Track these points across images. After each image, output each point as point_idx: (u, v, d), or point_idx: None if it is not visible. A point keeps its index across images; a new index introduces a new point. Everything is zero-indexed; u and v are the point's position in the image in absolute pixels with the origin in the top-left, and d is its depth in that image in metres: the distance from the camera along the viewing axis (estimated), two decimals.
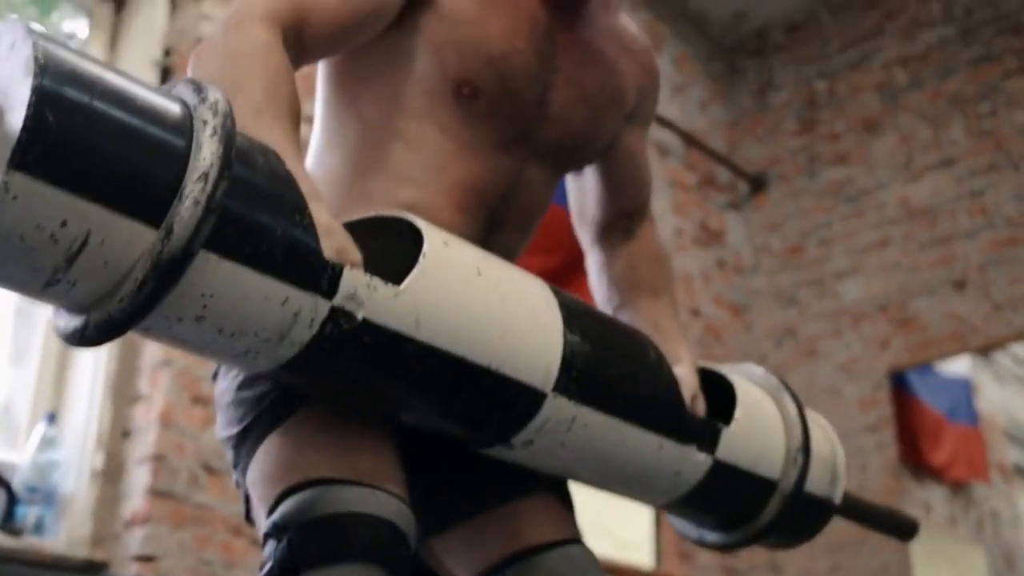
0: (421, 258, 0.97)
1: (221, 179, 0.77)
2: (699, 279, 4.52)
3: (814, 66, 4.88)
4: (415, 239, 1.01)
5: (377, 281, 0.92)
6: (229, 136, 0.79)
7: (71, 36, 2.88)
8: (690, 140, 4.63)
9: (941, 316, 4.20)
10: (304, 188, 0.91)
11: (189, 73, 1.05)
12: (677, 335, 1.37)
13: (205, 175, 0.77)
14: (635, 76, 1.40)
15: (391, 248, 1.03)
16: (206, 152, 0.77)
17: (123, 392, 2.61)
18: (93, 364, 2.62)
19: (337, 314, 0.89)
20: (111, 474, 2.57)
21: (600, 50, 1.35)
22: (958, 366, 4.43)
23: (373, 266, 0.95)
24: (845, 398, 4.35)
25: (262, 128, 0.96)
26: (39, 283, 0.76)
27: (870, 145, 4.59)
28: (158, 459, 2.55)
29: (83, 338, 0.80)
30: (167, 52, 2.90)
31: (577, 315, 1.12)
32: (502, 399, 1.04)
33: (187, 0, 2.94)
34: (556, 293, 1.13)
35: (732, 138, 5.00)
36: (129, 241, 0.75)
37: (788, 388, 1.41)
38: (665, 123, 4.49)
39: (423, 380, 0.99)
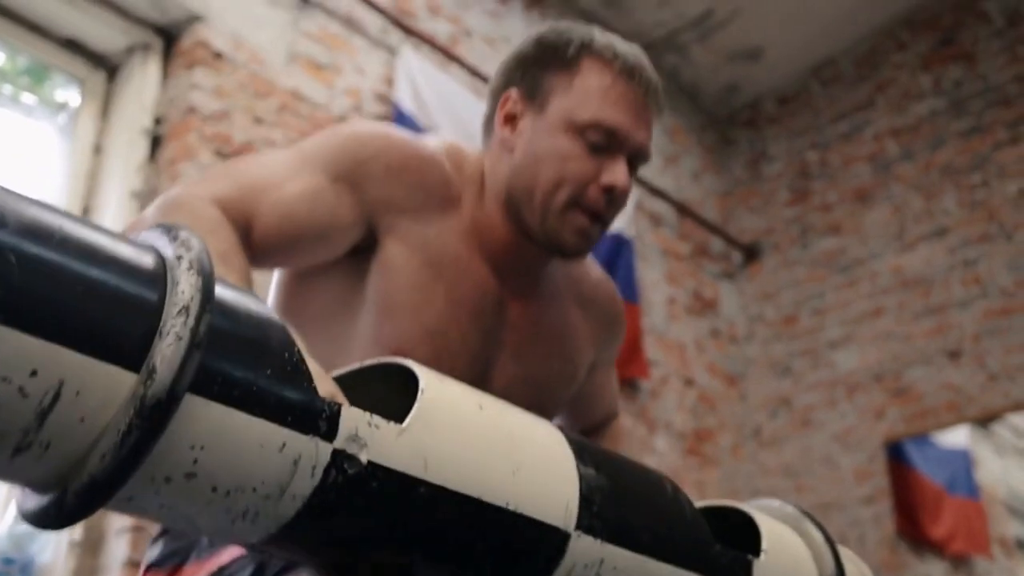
0: (420, 394, 0.90)
1: (204, 312, 0.71)
2: (693, 348, 4.51)
3: (806, 137, 4.92)
4: (408, 381, 0.94)
5: (378, 419, 0.84)
6: (207, 269, 0.74)
7: (63, 105, 2.92)
8: (683, 210, 4.65)
9: (936, 386, 4.17)
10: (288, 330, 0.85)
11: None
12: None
13: (186, 308, 0.70)
14: (593, 332, 1.32)
15: (384, 393, 0.96)
16: (184, 285, 0.71)
17: None
18: None
19: (340, 458, 0.81)
20: (90, 545, 2.53)
21: (552, 322, 1.26)
22: (957, 437, 4.38)
23: (370, 409, 0.87)
24: (841, 469, 4.31)
25: (227, 276, 0.89)
26: (7, 451, 0.67)
27: (863, 215, 4.60)
28: (137, 530, 2.52)
29: (61, 514, 0.69)
30: (158, 121, 2.93)
31: (587, 450, 1.04)
32: (525, 543, 0.95)
33: (179, 69, 2.98)
34: (560, 429, 1.06)
35: (725, 208, 5.02)
36: (108, 389, 0.68)
37: (810, 516, 1.35)
38: (658, 193, 4.51)
39: (439, 527, 0.90)
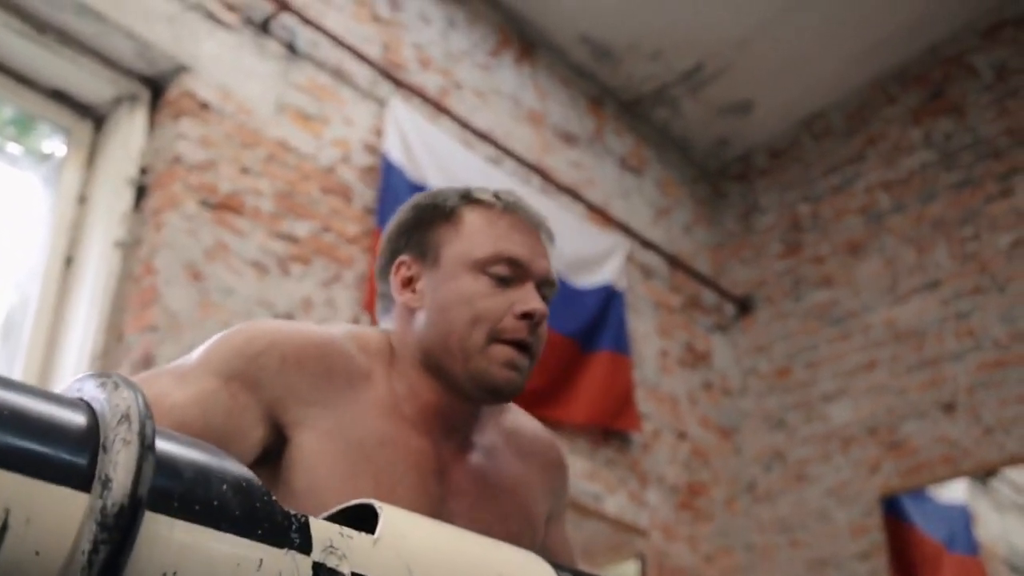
0: (380, 512, 0.85)
1: (146, 415, 0.67)
2: (685, 401, 4.48)
3: (798, 190, 4.93)
4: (361, 513, 0.89)
5: (349, 530, 0.79)
6: (137, 386, 0.70)
7: (48, 156, 2.92)
8: (675, 262, 4.64)
9: (931, 439, 4.13)
10: None
11: None
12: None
13: (126, 415, 0.67)
14: (542, 483, 1.27)
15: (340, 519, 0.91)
16: (119, 398, 0.68)
17: None
18: None
19: (322, 572, 0.75)
20: None
21: (500, 480, 1.21)
22: (955, 493, 4.33)
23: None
24: (836, 523, 4.25)
25: None
26: None
27: (855, 268, 4.60)
28: None
29: None
30: (143, 171, 2.94)
31: (560, 565, 0.99)
32: None
33: (165, 119, 2.99)
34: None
35: (717, 261, 5.01)
36: (61, 512, 0.63)
37: None
38: (649, 245, 4.51)
39: None
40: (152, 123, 3.01)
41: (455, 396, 1.16)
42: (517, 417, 1.30)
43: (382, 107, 3.59)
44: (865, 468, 4.26)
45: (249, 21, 3.27)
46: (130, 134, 2.94)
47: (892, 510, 4.19)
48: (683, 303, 4.69)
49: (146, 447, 0.65)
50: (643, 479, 4.10)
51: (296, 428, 1.08)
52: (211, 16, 3.15)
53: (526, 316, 1.13)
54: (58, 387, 2.62)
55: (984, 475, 4.18)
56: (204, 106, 3.02)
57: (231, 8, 3.22)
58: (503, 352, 1.13)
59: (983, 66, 4.55)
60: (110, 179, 2.89)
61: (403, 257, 1.20)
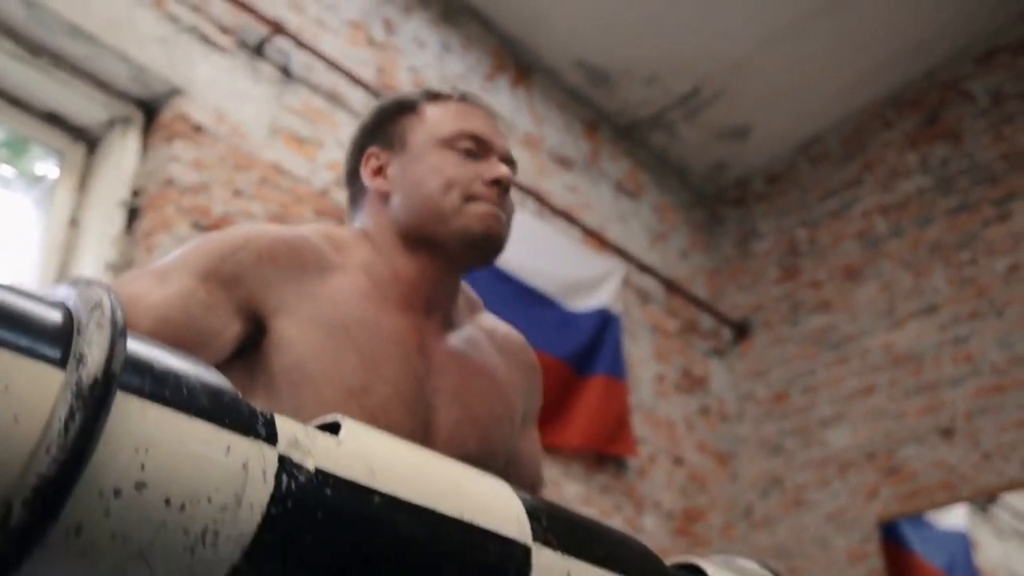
0: (342, 421, 0.86)
1: (117, 304, 0.70)
2: (682, 425, 4.45)
3: (795, 215, 4.92)
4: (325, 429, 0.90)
5: (312, 430, 0.81)
6: (110, 286, 0.73)
7: (41, 178, 2.92)
8: (672, 286, 4.63)
9: (930, 465, 4.11)
10: None
11: None
12: None
13: (99, 304, 0.70)
14: (519, 380, 1.32)
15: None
16: (91, 292, 0.71)
17: None
18: None
19: (288, 464, 0.77)
20: None
21: (480, 363, 1.26)
22: (955, 519, 4.30)
23: None
24: (834, 549, 4.22)
25: None
26: None
27: (852, 292, 4.58)
28: None
29: (5, 539, 0.63)
30: (136, 193, 2.93)
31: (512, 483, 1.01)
32: (492, 558, 0.89)
33: (158, 142, 2.99)
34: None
35: (714, 285, 5.00)
36: (38, 383, 0.66)
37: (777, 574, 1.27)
38: (646, 269, 4.50)
39: (403, 543, 0.84)
40: (145, 146, 3.01)
41: (439, 267, 1.22)
42: (490, 317, 1.36)
43: None
44: (863, 493, 4.23)
45: (243, 44, 3.28)
46: (123, 157, 2.93)
47: (891, 536, 4.16)
48: (680, 327, 4.67)
49: (118, 330, 0.68)
50: (639, 505, 4.07)
51: (275, 316, 1.12)
52: (205, 39, 3.15)
53: (495, 182, 1.21)
54: None
55: (984, 501, 4.16)
56: (197, 129, 3.03)
57: (225, 31, 3.23)
58: (479, 207, 1.20)
59: (979, 91, 4.55)
60: (102, 202, 2.88)
61: (371, 149, 1.27)
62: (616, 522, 3.94)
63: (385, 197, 1.24)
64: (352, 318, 1.15)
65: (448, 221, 1.20)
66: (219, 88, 3.14)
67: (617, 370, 4.08)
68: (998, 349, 4.11)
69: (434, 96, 1.29)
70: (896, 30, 4.53)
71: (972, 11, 4.49)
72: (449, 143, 1.23)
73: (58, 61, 2.88)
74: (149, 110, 3.06)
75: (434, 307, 1.23)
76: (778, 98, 4.78)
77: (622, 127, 4.80)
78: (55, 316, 0.70)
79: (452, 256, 1.21)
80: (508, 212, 1.24)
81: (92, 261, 2.81)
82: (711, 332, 4.83)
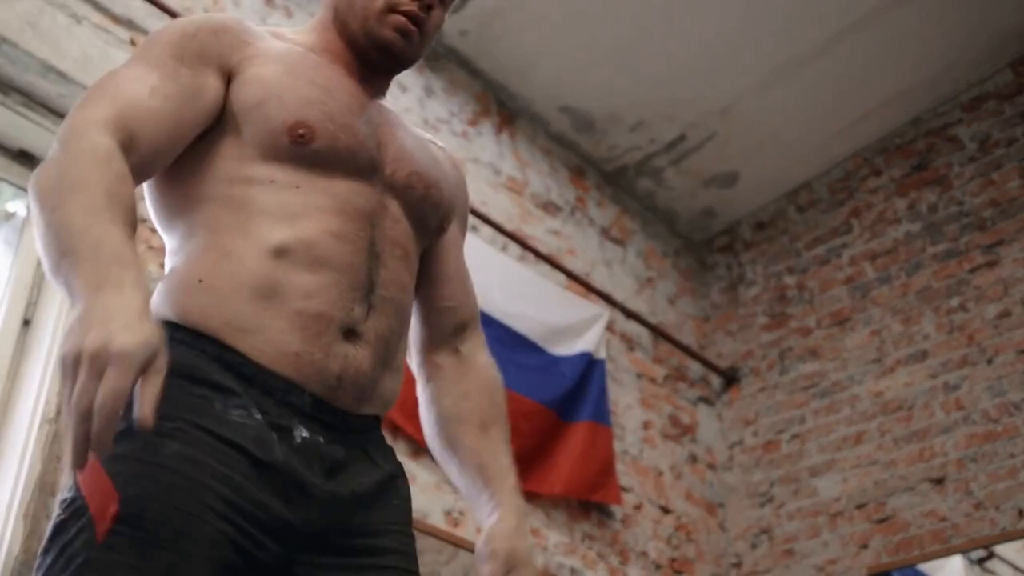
0: None
1: None
2: (669, 474, 4.38)
3: (783, 262, 4.89)
4: None
5: None
6: None
7: (11, 215, 2.89)
8: (659, 333, 4.59)
9: (921, 514, 4.03)
10: (135, 298, 1.00)
11: (32, 183, 1.12)
12: (501, 474, 1.32)
13: None
14: (442, 164, 1.48)
15: None
16: None
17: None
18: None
19: None
20: None
21: (408, 132, 1.44)
22: (951, 572, 4.21)
23: None
24: None
25: (101, 226, 1.02)
26: None
27: (841, 339, 4.54)
28: None
29: None
30: None
31: None
32: None
33: None
34: None
35: (702, 332, 4.96)
36: None
37: None
38: (633, 316, 4.46)
39: None
40: None
41: (360, 61, 1.41)
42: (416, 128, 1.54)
43: None
44: (854, 544, 4.15)
45: None
46: None
47: None
48: (667, 375, 4.62)
49: None
50: (624, 555, 3.99)
51: (240, 67, 1.31)
52: None
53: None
54: (7, 452, 2.54)
55: (981, 558, 4.06)
56: None
57: None
58: (395, 19, 1.36)
59: (966, 137, 4.55)
60: None
61: None
62: (600, 572, 3.86)
63: None
64: (303, 62, 1.35)
65: (367, 22, 1.37)
66: None
67: (602, 416, 4.02)
68: (989, 396, 4.05)
69: None
70: (883, 77, 4.53)
71: (959, 58, 4.49)
72: None
73: (30, 99, 2.87)
74: None
75: (365, 84, 1.40)
76: (766, 145, 4.77)
77: (608, 173, 4.78)
78: None
79: (366, 56, 1.40)
80: (427, 29, 1.38)
81: (60, 300, 2.77)
82: (699, 379, 4.78)
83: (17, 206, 2.92)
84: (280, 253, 1.21)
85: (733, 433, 4.70)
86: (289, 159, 1.25)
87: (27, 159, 2.94)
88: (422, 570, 3.61)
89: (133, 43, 3.06)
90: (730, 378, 4.79)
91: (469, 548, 3.47)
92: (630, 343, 4.49)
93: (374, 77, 1.42)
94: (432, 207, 1.40)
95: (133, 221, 1.08)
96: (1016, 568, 4.21)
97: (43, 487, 2.53)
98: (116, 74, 1.26)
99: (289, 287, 1.20)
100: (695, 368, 4.77)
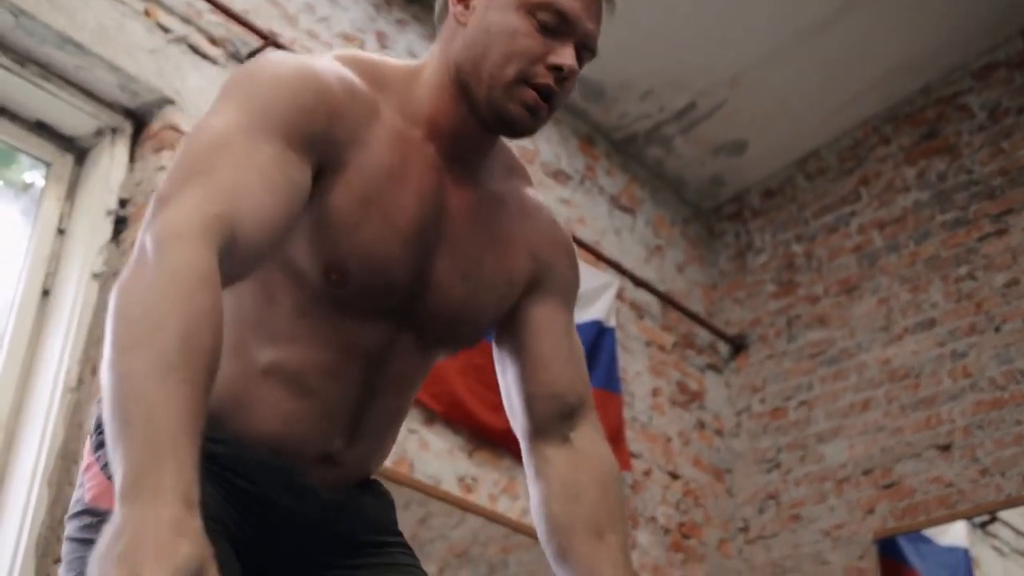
0: None
1: None
2: (678, 440, 4.42)
3: (792, 230, 4.91)
4: None
5: None
6: None
7: (29, 186, 2.92)
8: (667, 301, 4.61)
9: (927, 480, 4.08)
10: (180, 482, 0.84)
11: (113, 298, 0.96)
12: None
13: None
14: (532, 244, 1.32)
15: None
16: None
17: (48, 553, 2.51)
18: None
19: None
20: None
21: (490, 215, 1.28)
22: (955, 536, 4.26)
23: None
24: (831, 566, 4.18)
25: (167, 392, 0.87)
26: None
27: (849, 307, 4.56)
28: None
29: None
30: (123, 203, 2.93)
31: None
32: None
33: (146, 152, 2.99)
34: None
35: (711, 300, 4.99)
36: None
37: None
38: (641, 284, 4.48)
39: None
40: (133, 156, 3.01)
41: (474, 119, 1.23)
42: (533, 192, 1.37)
43: None
44: (860, 509, 4.20)
45: (234, 55, 3.28)
46: (111, 166, 2.93)
47: (888, 552, 4.13)
48: (676, 342, 4.66)
49: None
50: (633, 520, 4.04)
51: (333, 169, 1.17)
52: (196, 50, 3.16)
53: (556, 68, 1.19)
54: (29, 422, 2.56)
55: (984, 522, 4.12)
56: None
57: (216, 43, 3.24)
58: (526, 94, 1.20)
59: (976, 106, 4.54)
60: (90, 211, 2.88)
61: None
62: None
63: (458, 27, 1.24)
64: (382, 172, 1.19)
65: (493, 91, 1.20)
66: (209, 99, 3.11)
67: (612, 384, 4.06)
68: (996, 364, 4.08)
69: None
70: (893, 46, 4.52)
71: (969, 26, 4.48)
72: (533, 9, 1.19)
73: (46, 70, 2.89)
74: (138, 120, 3.06)
75: (461, 155, 1.26)
76: (775, 113, 4.77)
77: (618, 141, 4.79)
78: None
79: (483, 120, 1.23)
80: (558, 101, 1.22)
81: (78, 270, 2.80)
82: (707, 347, 4.81)
83: (34, 177, 2.94)
84: (268, 373, 1.19)
85: (741, 400, 4.74)
86: (313, 287, 1.18)
87: (44, 130, 2.97)
88: (431, 533, 3.65)
89: (148, 14, 3.07)
90: (738, 345, 4.82)
91: (479, 513, 3.52)
92: (639, 311, 4.53)
93: (480, 141, 1.27)
94: (458, 337, 1.30)
95: (211, 366, 0.93)
96: (1017, 531, 4.26)
97: (66, 455, 2.58)
98: (218, 139, 1.09)
99: (271, 408, 1.20)
100: (703, 336, 4.81)
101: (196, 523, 0.83)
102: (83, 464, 1.21)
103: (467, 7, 1.24)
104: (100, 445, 1.16)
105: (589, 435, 1.32)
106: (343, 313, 1.19)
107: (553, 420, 1.31)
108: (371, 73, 1.23)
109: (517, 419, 1.34)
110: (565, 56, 1.19)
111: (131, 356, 0.89)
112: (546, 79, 1.19)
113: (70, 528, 1.17)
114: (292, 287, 1.19)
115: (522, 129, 1.23)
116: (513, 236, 1.31)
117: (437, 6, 1.29)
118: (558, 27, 1.19)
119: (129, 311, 0.93)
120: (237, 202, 1.03)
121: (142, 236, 1.00)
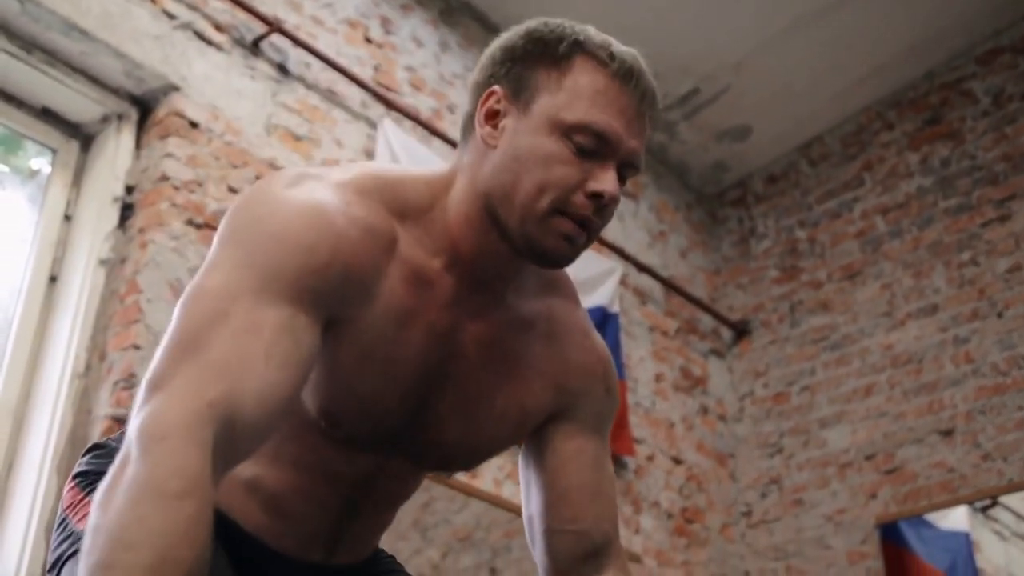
0: None
1: None
2: (681, 426, 4.44)
3: (795, 215, 4.91)
4: None
5: None
6: None
7: (35, 173, 2.92)
8: (670, 287, 4.62)
9: (929, 465, 4.09)
10: None
11: (93, 504, 0.87)
12: None
13: None
14: (556, 373, 1.21)
15: None
16: None
17: None
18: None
19: None
20: None
21: (508, 345, 1.18)
22: (956, 520, 4.28)
23: None
24: (834, 550, 4.20)
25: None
26: None
27: (852, 293, 4.57)
28: None
29: None
30: (129, 189, 2.93)
31: None
32: None
33: (152, 139, 2.99)
34: None
35: (714, 285, 5.00)
36: None
37: None
38: (645, 269, 4.49)
39: None
40: (139, 142, 3.01)
41: (500, 249, 1.12)
42: (571, 311, 1.25)
43: (373, 129, 3.59)
44: (863, 494, 4.22)
45: (239, 41, 3.28)
46: (117, 153, 2.94)
47: (891, 537, 4.14)
48: (679, 328, 4.67)
49: None
50: (637, 504, 4.06)
51: (340, 326, 1.07)
52: (201, 36, 3.16)
53: (596, 196, 1.07)
54: (38, 408, 2.55)
55: (985, 506, 4.13)
56: (192, 126, 3.03)
57: (221, 28, 3.23)
58: (563, 225, 1.08)
59: (980, 91, 4.54)
60: (96, 198, 2.89)
61: (496, 88, 1.12)
62: None
63: (487, 148, 1.12)
64: (390, 327, 1.10)
65: (527, 223, 1.08)
66: (215, 85, 3.14)
67: (615, 369, 4.07)
68: (999, 349, 4.09)
69: (591, 53, 1.12)
70: (897, 31, 4.51)
71: (973, 11, 4.47)
72: (570, 132, 1.07)
73: (52, 57, 2.89)
74: (144, 107, 3.07)
75: (485, 282, 1.15)
76: (778, 98, 4.77)
77: None
78: None
79: (515, 249, 1.11)
80: (601, 224, 1.11)
81: (85, 257, 2.81)
82: (710, 332, 4.83)
83: (41, 163, 2.95)
84: (248, 488, 1.16)
85: (743, 385, 4.75)
86: (303, 420, 1.12)
87: (50, 117, 2.97)
88: (435, 518, 3.66)
89: (153, 0, 3.07)
90: (741, 331, 4.83)
91: (482, 498, 3.54)
92: (642, 297, 4.53)
93: (505, 269, 1.15)
94: (456, 465, 1.24)
95: None
96: (1018, 515, 4.28)
97: (75, 441, 2.59)
98: (216, 307, 0.98)
99: (250, 520, 1.18)
100: (706, 321, 4.82)
101: None
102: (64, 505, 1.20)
103: (496, 127, 1.12)
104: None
105: None
106: (330, 443, 1.14)
107: (576, 560, 1.21)
108: (392, 199, 1.12)
109: (537, 553, 1.24)
110: (606, 182, 1.07)
111: (107, 567, 0.81)
112: (585, 210, 1.07)
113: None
114: (291, 419, 1.10)
115: (559, 261, 1.11)
116: (534, 364, 1.19)
117: (462, 121, 1.17)
118: (597, 150, 1.08)
119: (106, 522, 0.84)
120: (237, 382, 0.93)
121: (130, 428, 0.90)
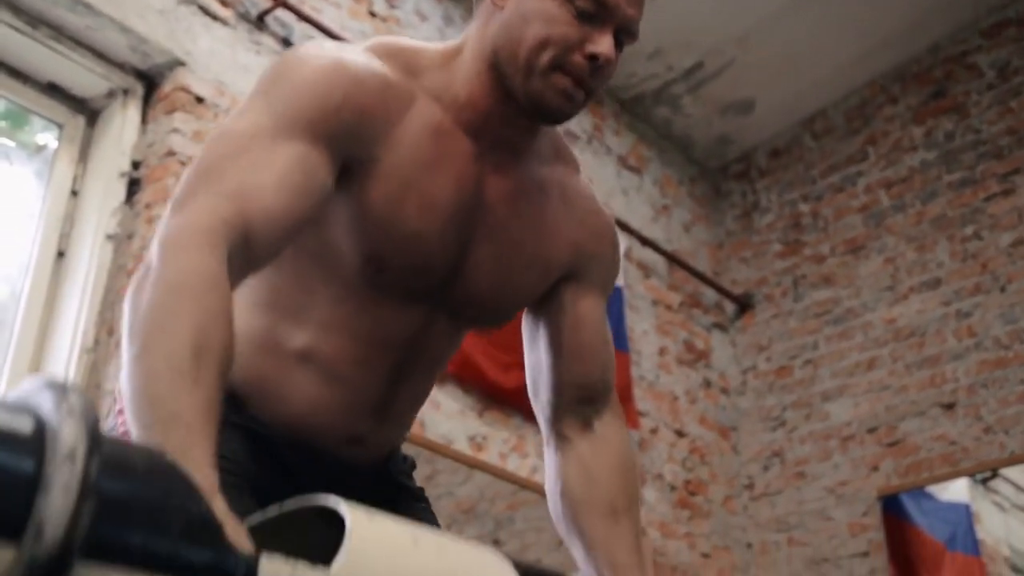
0: (347, 536, 0.79)
1: (92, 455, 0.62)
2: (684, 399, 4.46)
3: (798, 189, 4.91)
4: (333, 520, 0.84)
5: (303, 567, 0.76)
6: (92, 417, 0.64)
7: (42, 148, 2.93)
8: (674, 260, 4.63)
9: (931, 438, 4.12)
10: (201, 478, 0.77)
11: (125, 304, 0.96)
12: (631, 570, 1.24)
13: (71, 454, 0.61)
14: (573, 233, 1.31)
15: (306, 537, 0.88)
16: (67, 432, 0.62)
17: None
18: None
19: None
20: None
21: (531, 202, 1.27)
22: (956, 492, 4.31)
23: (293, 553, 0.79)
24: (835, 522, 4.24)
25: (180, 391, 0.88)
26: None
27: (855, 267, 4.58)
28: None
29: None
30: (136, 165, 2.94)
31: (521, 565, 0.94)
32: None
33: (158, 114, 2.99)
34: (509, 558, 0.94)
35: (717, 259, 5.01)
36: None
37: None
38: (648, 243, 4.50)
39: None
40: (146, 117, 3.01)
41: (511, 105, 1.21)
42: (577, 179, 1.35)
43: None
44: (864, 467, 4.24)
45: (244, 16, 3.28)
46: (123, 128, 2.94)
47: (892, 509, 4.18)
48: (682, 301, 4.68)
49: (86, 493, 0.60)
50: (640, 477, 4.09)
51: (364, 166, 1.16)
52: (206, 11, 3.15)
53: (592, 58, 1.15)
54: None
55: (985, 478, 4.16)
56: (198, 100, 3.03)
57: (226, 3, 3.23)
58: (562, 82, 1.16)
59: (985, 65, 4.53)
60: (103, 173, 2.89)
61: None
62: None
63: (496, 10, 1.20)
64: (419, 162, 1.18)
65: (529, 77, 1.17)
66: (220, 60, 3.14)
67: (619, 343, 4.08)
68: (1001, 323, 4.11)
69: None
70: (901, 4, 4.50)
71: None
72: None
73: (58, 32, 2.88)
74: (149, 82, 3.07)
75: (502, 140, 1.24)
76: (782, 72, 4.76)
77: (625, 101, 4.79)
78: (20, 465, 0.61)
79: (520, 105, 1.20)
80: (598, 85, 1.19)
81: (93, 232, 2.82)
82: (713, 306, 4.84)
83: (47, 138, 2.95)
84: (300, 359, 1.21)
85: (746, 358, 4.77)
86: (351, 277, 1.19)
87: (56, 92, 2.97)
88: (438, 490, 3.69)
89: None
90: (744, 304, 4.85)
91: (488, 471, 3.57)
92: (646, 270, 4.55)
93: (520, 126, 1.24)
94: (489, 318, 1.32)
95: (223, 365, 0.93)
96: (1018, 487, 4.31)
97: None
98: (237, 144, 1.08)
99: (300, 394, 1.22)
100: (709, 295, 4.83)
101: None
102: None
103: None
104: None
105: (611, 423, 1.33)
106: (379, 300, 1.20)
107: (578, 405, 1.33)
108: (406, 62, 1.21)
109: (541, 398, 1.35)
110: (602, 44, 1.15)
111: (143, 360, 0.90)
112: (581, 68, 1.15)
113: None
114: (329, 277, 1.19)
115: (557, 115, 1.20)
116: (554, 224, 1.29)
117: None
118: (596, 13, 1.16)
119: (141, 312, 0.93)
120: (249, 204, 1.02)
121: (152, 243, 1.00)
